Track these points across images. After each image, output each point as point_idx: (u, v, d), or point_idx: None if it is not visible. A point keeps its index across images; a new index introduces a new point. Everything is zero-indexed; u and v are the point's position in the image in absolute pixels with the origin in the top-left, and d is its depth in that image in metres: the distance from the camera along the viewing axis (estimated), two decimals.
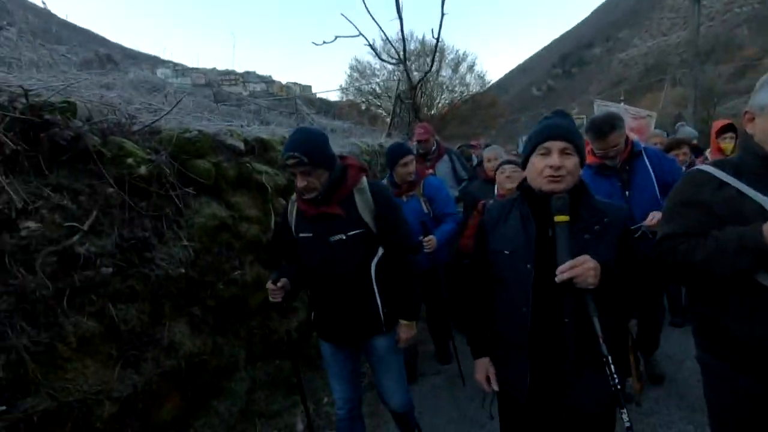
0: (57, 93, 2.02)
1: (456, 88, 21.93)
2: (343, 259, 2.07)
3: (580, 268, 1.40)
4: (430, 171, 4.28)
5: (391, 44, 10.67)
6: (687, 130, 5.83)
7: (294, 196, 2.21)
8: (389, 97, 17.86)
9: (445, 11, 8.67)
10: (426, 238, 3.09)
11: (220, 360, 2.69)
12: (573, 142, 1.55)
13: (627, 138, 2.84)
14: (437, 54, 14.45)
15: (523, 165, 1.69)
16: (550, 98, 65.66)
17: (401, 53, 9.74)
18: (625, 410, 1.42)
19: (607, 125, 2.67)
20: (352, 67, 19.54)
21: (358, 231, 2.06)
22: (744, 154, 1.52)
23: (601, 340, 1.42)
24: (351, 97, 20.57)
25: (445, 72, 21.03)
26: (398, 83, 9.52)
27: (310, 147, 1.94)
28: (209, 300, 2.67)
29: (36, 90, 1.95)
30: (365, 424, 2.50)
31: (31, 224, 1.86)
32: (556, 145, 1.54)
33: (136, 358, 2.19)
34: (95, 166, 2.12)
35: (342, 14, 8.29)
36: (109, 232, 2.14)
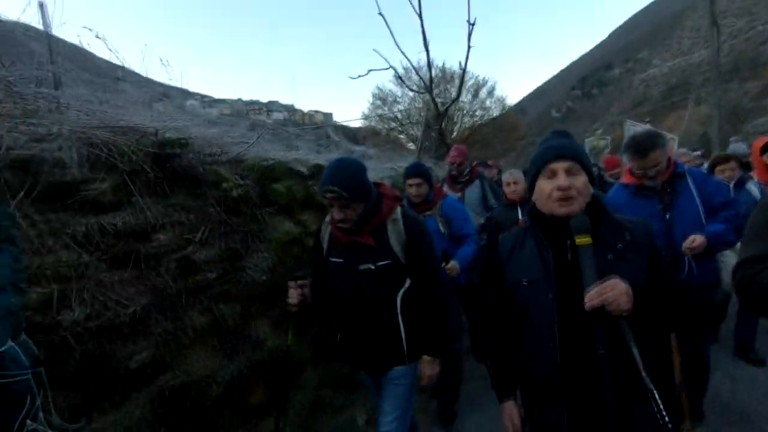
0: (177, 131, 2.51)
1: (477, 113, 22.40)
2: (370, 288, 2.07)
3: (612, 293, 1.27)
4: (459, 195, 4.25)
5: (419, 75, 11.24)
6: (738, 147, 5.55)
7: (328, 219, 2.23)
8: (411, 123, 18.46)
9: (471, 44, 9.18)
10: (448, 266, 3.02)
11: (294, 357, 3.08)
12: (579, 160, 1.48)
13: (669, 158, 2.67)
14: (459, 81, 14.95)
15: (530, 190, 1.60)
16: (570, 120, 65.64)
17: (427, 82, 10.32)
18: None
19: (649, 142, 2.54)
20: (374, 95, 20.39)
21: (387, 261, 2.06)
22: None
23: (643, 372, 1.26)
24: (373, 124, 21.30)
25: (466, 97, 21.52)
26: (426, 111, 10.00)
27: (349, 181, 1.95)
28: (284, 304, 3.07)
29: (163, 130, 2.43)
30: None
31: (161, 236, 2.31)
32: (561, 165, 1.46)
33: (232, 350, 2.59)
34: (204, 189, 2.59)
35: (375, 50, 8.88)
36: (212, 244, 2.59)
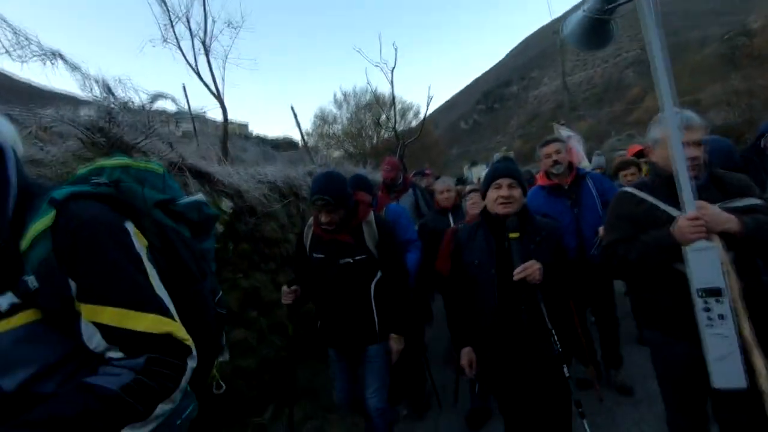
0: (295, 179, 4.48)
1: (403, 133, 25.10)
2: (348, 278, 2.38)
3: (531, 269, 1.83)
4: (394, 203, 4.21)
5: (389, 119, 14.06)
6: (599, 160, 6.83)
7: (311, 221, 2.55)
8: (349, 141, 20.71)
9: (431, 94, 11.91)
10: None
11: None
12: (516, 178, 2.05)
13: (571, 164, 3.31)
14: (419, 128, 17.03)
15: (483, 197, 2.17)
16: (477, 131, 71.47)
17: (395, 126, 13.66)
18: (565, 366, 1.87)
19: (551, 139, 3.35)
20: (316, 116, 22.63)
21: (362, 256, 2.39)
22: (653, 176, 1.95)
23: (546, 318, 1.86)
24: (311, 140, 23.03)
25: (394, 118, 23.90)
26: (399, 146, 12.42)
27: (336, 190, 2.28)
28: None
29: (287, 179, 4.39)
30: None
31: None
32: (505, 181, 2.02)
33: None
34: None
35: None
36: None
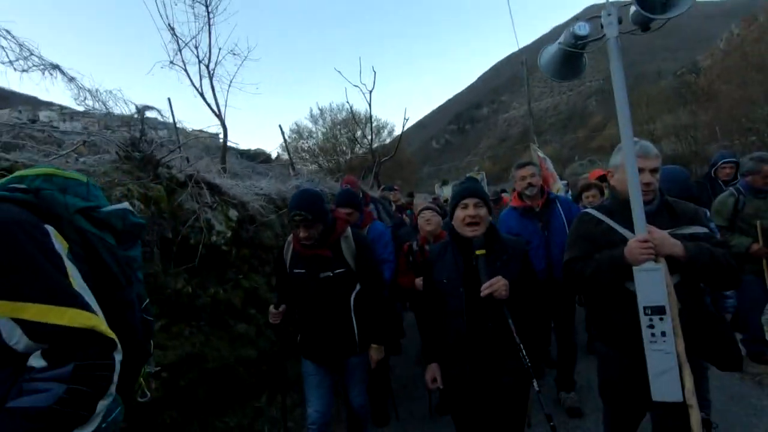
0: (284, 193, 4.91)
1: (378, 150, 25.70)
2: (328, 292, 2.44)
3: (496, 285, 1.89)
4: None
5: (368, 139, 14.74)
6: (559, 183, 7.58)
7: (290, 238, 2.60)
8: (324, 156, 21.13)
9: (407, 116, 12.47)
10: None
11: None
12: (482, 198, 2.13)
13: (543, 188, 3.46)
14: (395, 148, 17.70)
15: (450, 216, 2.22)
16: (448, 151, 73.17)
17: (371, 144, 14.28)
18: (535, 380, 1.90)
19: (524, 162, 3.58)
20: (292, 130, 23.01)
21: (341, 270, 2.45)
22: (611, 199, 2.07)
23: (514, 333, 1.90)
24: (286, 154, 23.38)
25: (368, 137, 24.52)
26: (375, 164, 12.89)
27: (313, 206, 2.35)
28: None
29: (277, 192, 4.81)
30: None
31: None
32: (471, 201, 2.09)
33: None
34: None
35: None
36: None
